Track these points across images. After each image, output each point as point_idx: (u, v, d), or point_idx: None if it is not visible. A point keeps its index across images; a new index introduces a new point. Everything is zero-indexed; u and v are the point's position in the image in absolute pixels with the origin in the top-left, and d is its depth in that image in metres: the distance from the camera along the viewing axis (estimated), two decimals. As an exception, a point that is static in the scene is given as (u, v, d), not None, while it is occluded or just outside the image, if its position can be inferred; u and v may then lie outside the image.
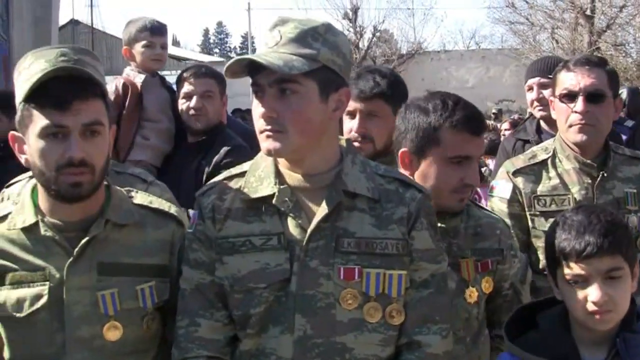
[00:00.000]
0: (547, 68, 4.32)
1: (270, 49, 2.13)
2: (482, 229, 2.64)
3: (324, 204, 2.17)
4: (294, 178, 2.22)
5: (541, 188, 3.26)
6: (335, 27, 2.22)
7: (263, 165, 2.26)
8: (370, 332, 2.16)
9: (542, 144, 3.55)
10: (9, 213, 2.30)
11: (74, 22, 29.15)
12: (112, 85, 4.61)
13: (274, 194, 2.20)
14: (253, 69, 2.15)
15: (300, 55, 2.10)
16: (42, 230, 2.22)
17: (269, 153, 2.17)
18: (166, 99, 4.61)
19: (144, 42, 4.60)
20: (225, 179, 2.32)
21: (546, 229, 2.53)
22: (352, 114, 3.18)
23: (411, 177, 2.43)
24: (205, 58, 37.14)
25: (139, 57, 4.64)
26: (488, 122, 13.11)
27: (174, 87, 4.64)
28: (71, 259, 2.21)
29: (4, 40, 15.41)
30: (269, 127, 2.13)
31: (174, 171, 4.32)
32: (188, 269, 2.27)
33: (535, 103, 4.40)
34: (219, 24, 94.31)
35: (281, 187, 2.20)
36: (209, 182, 2.37)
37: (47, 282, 2.21)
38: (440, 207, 2.46)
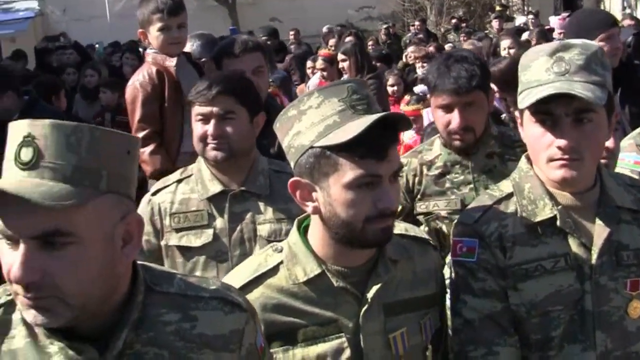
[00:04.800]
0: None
1: (564, 78, 2.13)
2: None
3: (601, 222, 2.24)
4: (565, 197, 2.27)
5: None
6: None
7: (527, 187, 2.30)
8: None
9: None
10: (279, 264, 2.16)
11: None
12: (141, 74, 4.36)
13: (554, 215, 2.24)
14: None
15: (593, 82, 2.13)
16: (334, 281, 2.11)
17: (564, 181, 2.20)
18: (197, 78, 4.37)
19: (159, 25, 4.29)
20: (494, 203, 2.32)
21: None
22: (449, 108, 3.18)
23: None
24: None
25: (155, 42, 4.34)
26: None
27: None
28: (367, 306, 2.12)
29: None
30: (566, 156, 2.15)
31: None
32: (473, 297, 2.26)
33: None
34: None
35: (559, 208, 2.24)
36: (477, 207, 2.36)
37: (342, 334, 2.11)
38: None
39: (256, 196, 3.04)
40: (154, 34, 4.33)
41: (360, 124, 1.92)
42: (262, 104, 3.21)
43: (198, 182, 3.06)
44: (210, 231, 3.00)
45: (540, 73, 2.16)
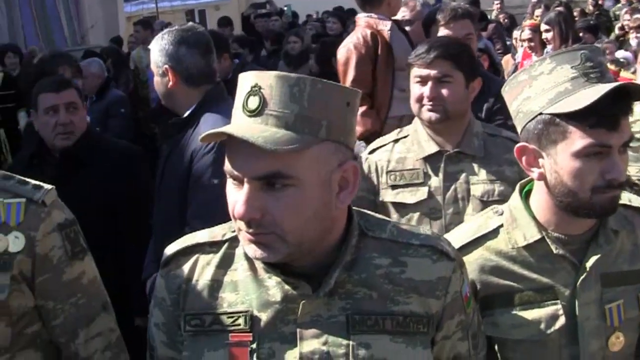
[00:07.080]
0: None
1: None
2: None
3: None
4: None
5: None
6: None
7: None
8: None
9: None
10: (499, 227, 2.18)
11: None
12: (355, 37, 4.45)
13: None
14: None
15: None
16: (554, 248, 2.10)
17: None
18: (407, 44, 4.41)
19: None
20: None
21: None
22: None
23: None
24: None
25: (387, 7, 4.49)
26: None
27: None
28: (584, 275, 2.10)
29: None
30: None
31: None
32: None
33: None
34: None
35: None
36: None
37: (558, 301, 2.11)
38: None
39: (470, 157, 3.12)
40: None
41: (593, 92, 1.89)
42: (478, 70, 3.26)
43: (414, 142, 3.18)
44: (425, 189, 3.12)
45: None
